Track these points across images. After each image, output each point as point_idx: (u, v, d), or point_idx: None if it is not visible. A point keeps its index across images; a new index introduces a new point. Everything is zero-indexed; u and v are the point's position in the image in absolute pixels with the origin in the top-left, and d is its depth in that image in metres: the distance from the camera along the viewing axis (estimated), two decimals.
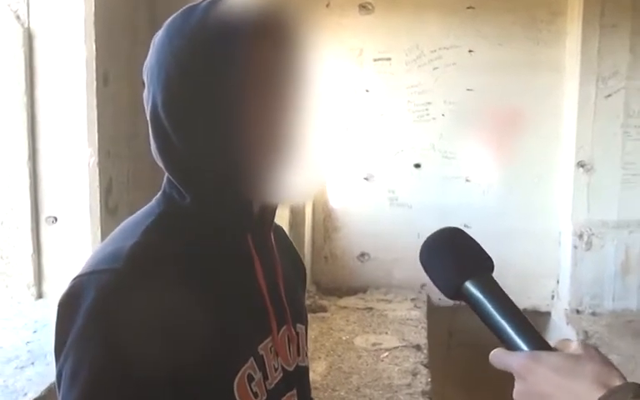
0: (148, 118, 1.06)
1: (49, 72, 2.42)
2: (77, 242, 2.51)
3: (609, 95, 5.23)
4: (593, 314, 5.17)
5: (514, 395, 0.94)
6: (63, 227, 2.50)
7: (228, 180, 1.03)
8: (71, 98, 2.43)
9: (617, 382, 0.88)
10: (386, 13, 5.47)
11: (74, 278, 1.00)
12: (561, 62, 5.44)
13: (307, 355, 1.25)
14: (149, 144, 1.09)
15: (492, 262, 0.98)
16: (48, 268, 2.52)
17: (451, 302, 5.08)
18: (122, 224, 1.10)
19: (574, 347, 0.93)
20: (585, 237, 5.27)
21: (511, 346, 0.94)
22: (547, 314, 5.44)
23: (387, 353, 4.33)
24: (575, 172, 5.32)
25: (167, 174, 1.09)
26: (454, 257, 1.01)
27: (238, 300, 1.08)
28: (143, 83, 1.07)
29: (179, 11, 1.05)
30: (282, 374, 1.13)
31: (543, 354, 0.91)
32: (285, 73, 1.00)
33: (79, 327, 0.94)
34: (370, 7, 5.48)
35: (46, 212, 2.49)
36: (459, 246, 1.02)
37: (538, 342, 0.93)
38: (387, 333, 4.69)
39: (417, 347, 4.45)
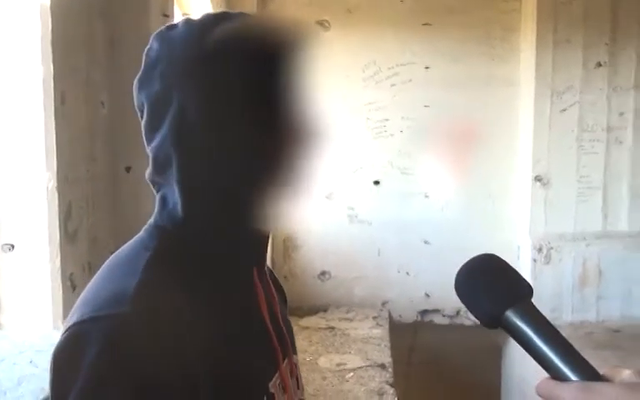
0: (162, 135, 0.99)
1: (4, 93, 2.34)
2: (36, 270, 2.43)
3: (564, 109, 5.31)
4: None
5: None
6: (21, 255, 2.41)
7: (247, 209, 0.99)
8: (27, 120, 2.36)
9: None
10: (342, 30, 5.48)
11: (71, 326, 0.90)
12: (516, 78, 5.51)
13: (302, 388, 1.21)
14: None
15: (530, 288, 0.94)
16: (5, 298, 2.43)
17: (411, 320, 5.08)
18: (112, 261, 1.01)
19: (627, 374, 0.88)
20: (544, 251, 5.33)
21: (558, 375, 0.89)
22: None
23: (352, 374, 4.30)
24: (532, 187, 5.38)
25: (162, 203, 1.03)
26: (492, 285, 0.96)
27: (248, 337, 1.03)
28: (142, 107, 1.02)
29: (188, 26, 1.01)
30: None
31: (597, 385, 0.86)
32: (295, 93, 0.99)
33: (86, 380, 0.85)
34: (327, 24, 5.48)
35: (2, 239, 2.40)
36: (496, 273, 0.97)
37: (587, 371, 0.89)
38: (350, 353, 4.66)
39: (382, 366, 4.43)
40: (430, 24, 5.53)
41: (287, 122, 0.99)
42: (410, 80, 5.53)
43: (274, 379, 1.06)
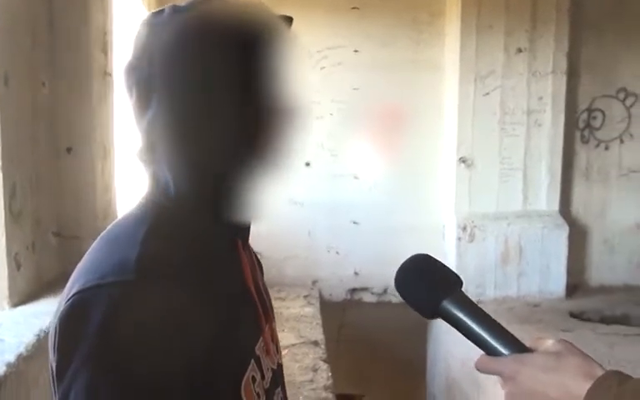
0: (150, 118, 1.06)
1: None
2: None
3: (487, 93, 5.55)
4: (478, 302, 5.47)
5: (506, 397, 1.02)
6: None
7: (233, 185, 1.07)
8: None
9: (600, 372, 0.96)
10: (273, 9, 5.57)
11: (75, 293, 0.96)
12: (441, 62, 5.74)
13: (280, 352, 1.30)
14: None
15: (460, 279, 1.09)
16: None
17: (341, 298, 5.24)
18: (108, 234, 1.08)
19: (550, 343, 1.02)
20: (468, 230, 5.58)
21: (492, 352, 1.03)
22: None
23: (286, 351, 4.44)
24: (457, 168, 5.62)
25: (154, 180, 1.10)
26: (428, 280, 1.09)
27: (236, 303, 1.12)
28: (131, 90, 1.08)
29: (172, 12, 1.07)
30: (271, 373, 1.18)
31: (527, 356, 1.00)
32: (274, 74, 1.06)
33: (92, 344, 0.91)
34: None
35: None
36: (430, 269, 1.11)
37: (516, 345, 1.03)
38: (284, 331, 4.80)
39: (315, 343, 4.59)
40: (358, 8, 5.68)
41: (267, 102, 1.06)
42: (339, 63, 5.68)
43: (259, 343, 1.15)
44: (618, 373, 0.97)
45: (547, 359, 0.99)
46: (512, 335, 1.04)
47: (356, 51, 5.69)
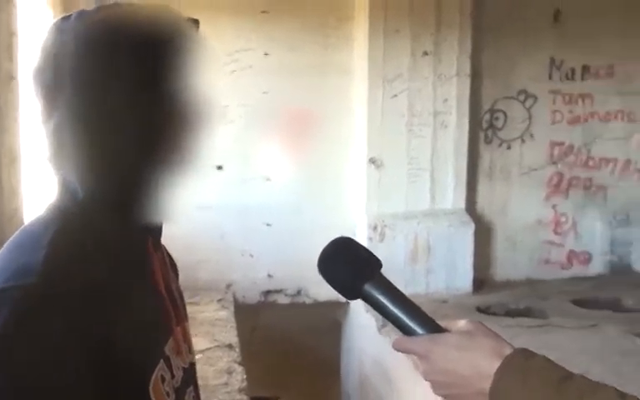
0: (57, 122, 1.07)
1: None
2: None
3: (395, 96, 5.72)
4: None
5: (421, 375, 1.09)
6: None
7: (141, 187, 1.09)
8: None
9: (509, 351, 1.04)
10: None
11: None
12: (350, 66, 5.87)
13: (194, 352, 1.32)
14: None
15: (380, 262, 1.14)
16: None
17: (255, 300, 5.31)
18: (15, 239, 1.09)
19: (462, 324, 1.09)
20: (378, 229, 5.73)
21: (409, 332, 1.09)
22: (347, 304, 5.85)
23: (200, 355, 4.47)
24: (367, 169, 5.76)
25: (62, 184, 1.10)
26: (350, 264, 1.14)
27: (145, 303, 1.13)
28: (38, 94, 1.09)
29: (78, 16, 1.09)
30: (182, 372, 1.20)
31: (441, 335, 1.07)
32: (181, 77, 1.09)
33: None
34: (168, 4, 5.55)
35: None
36: (352, 253, 1.15)
37: (432, 326, 1.09)
38: (197, 335, 4.83)
39: (229, 347, 4.64)
40: (268, 12, 5.75)
41: (175, 104, 1.09)
42: (249, 67, 5.74)
43: (169, 343, 1.17)
44: (525, 351, 1.04)
45: (460, 338, 1.06)
46: (428, 316, 1.11)
47: (266, 54, 5.76)
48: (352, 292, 1.12)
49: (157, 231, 1.21)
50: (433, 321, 1.11)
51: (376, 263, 1.14)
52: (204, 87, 1.11)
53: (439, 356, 1.06)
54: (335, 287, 1.14)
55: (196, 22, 1.15)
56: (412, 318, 1.10)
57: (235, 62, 5.72)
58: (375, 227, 5.73)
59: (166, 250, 1.33)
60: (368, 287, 1.11)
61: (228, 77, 5.68)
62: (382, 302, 1.11)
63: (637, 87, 6.22)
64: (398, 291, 1.12)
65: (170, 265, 1.33)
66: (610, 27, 6.05)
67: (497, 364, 1.02)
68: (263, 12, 5.73)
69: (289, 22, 5.76)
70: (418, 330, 1.09)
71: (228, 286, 5.84)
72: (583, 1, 5.97)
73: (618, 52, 6.12)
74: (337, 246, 1.16)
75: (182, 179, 1.11)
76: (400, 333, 1.12)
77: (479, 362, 1.04)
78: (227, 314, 5.30)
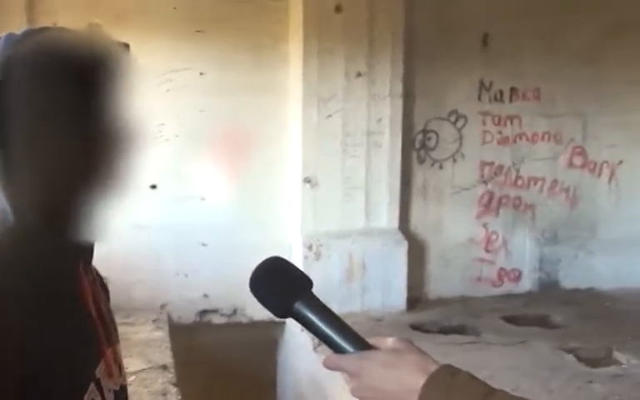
0: None
1: None
2: None
3: (329, 116, 5.80)
4: None
5: (350, 392, 1.12)
6: None
7: (72, 210, 1.11)
8: None
9: (434, 367, 1.08)
10: (114, 35, 5.51)
11: None
12: (285, 85, 5.93)
13: (124, 374, 1.33)
14: None
15: (311, 281, 1.17)
16: None
17: (191, 320, 5.30)
18: None
19: (391, 342, 1.13)
20: (314, 248, 5.78)
21: (339, 350, 1.12)
22: (283, 323, 5.87)
23: (134, 377, 4.43)
24: (302, 188, 5.81)
25: None
26: (281, 283, 1.17)
27: (74, 326, 1.14)
28: None
29: (6, 40, 1.10)
30: (113, 395, 1.20)
31: (370, 353, 1.11)
32: (111, 102, 1.12)
33: None
34: (98, 26, 5.51)
35: None
36: (283, 272, 1.19)
37: (361, 344, 1.13)
38: (132, 356, 4.78)
39: (164, 368, 4.61)
40: (203, 31, 5.77)
41: (105, 127, 1.11)
42: (185, 86, 5.74)
43: (100, 365, 1.17)
44: (450, 367, 1.09)
45: (387, 356, 1.09)
46: (357, 335, 1.14)
47: (201, 74, 5.78)
48: (282, 310, 1.15)
49: (88, 253, 1.22)
50: (363, 339, 1.14)
51: (307, 282, 1.17)
52: (135, 109, 1.14)
53: (367, 373, 1.09)
54: (266, 306, 1.16)
55: (126, 45, 1.19)
56: (342, 336, 1.12)
57: (170, 82, 5.72)
58: (310, 247, 5.78)
59: (96, 271, 1.34)
60: (299, 306, 1.14)
61: (163, 97, 5.68)
62: (313, 321, 1.14)
63: (561, 109, 6.46)
64: (329, 309, 1.16)
65: (101, 286, 1.34)
66: (535, 51, 6.28)
67: (422, 380, 1.06)
68: (198, 31, 5.76)
69: (225, 42, 5.80)
70: (348, 348, 1.12)
71: (163, 306, 5.81)
72: (510, 26, 6.17)
73: (544, 76, 6.35)
74: (268, 266, 1.19)
75: (113, 199, 1.14)
76: (331, 351, 1.15)
77: (405, 378, 1.07)
78: (161, 335, 5.27)
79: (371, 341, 1.14)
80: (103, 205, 1.13)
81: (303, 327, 1.16)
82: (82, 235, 1.13)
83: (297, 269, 1.20)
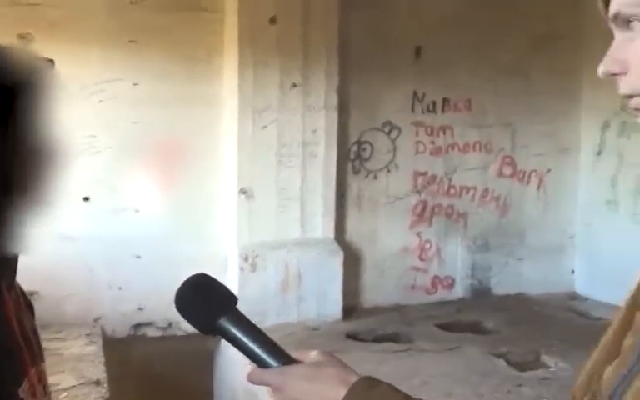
0: None
1: None
2: None
3: (265, 127, 5.84)
4: None
5: None
6: None
7: None
8: None
9: (355, 379, 1.11)
10: (46, 45, 5.46)
11: None
12: (220, 97, 5.95)
13: (49, 394, 1.33)
14: None
15: (235, 297, 1.20)
16: None
17: (125, 334, 5.26)
18: None
19: (313, 355, 1.16)
20: (250, 259, 5.81)
21: (263, 365, 1.16)
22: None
23: (65, 394, 4.38)
24: (237, 199, 5.84)
25: None
26: (205, 300, 1.20)
27: None
28: None
29: None
30: None
31: (292, 367, 1.14)
32: (34, 118, 1.13)
33: None
34: (30, 37, 5.44)
35: None
36: (207, 289, 1.21)
37: (285, 358, 1.16)
38: (63, 372, 4.72)
39: (97, 383, 4.57)
40: (136, 41, 5.75)
41: (27, 142, 1.12)
42: (117, 96, 5.70)
43: (23, 385, 1.17)
44: (370, 379, 1.11)
45: (309, 369, 1.13)
46: (281, 349, 1.18)
47: (135, 84, 5.75)
48: (207, 327, 1.18)
49: (10, 271, 1.23)
50: (287, 353, 1.18)
51: (231, 299, 1.19)
52: (59, 123, 1.16)
53: (290, 387, 1.13)
54: (191, 323, 1.19)
55: (50, 61, 1.20)
56: (265, 351, 1.16)
57: (102, 92, 5.68)
58: (246, 258, 5.81)
59: (21, 289, 1.34)
60: (223, 322, 1.16)
61: (96, 108, 5.64)
62: (237, 336, 1.16)
63: (491, 119, 6.66)
64: (253, 325, 1.19)
65: (25, 304, 1.35)
66: (467, 64, 6.46)
67: (343, 393, 1.09)
68: (132, 41, 5.73)
69: (159, 53, 5.78)
70: (272, 362, 1.15)
71: (96, 320, 5.75)
72: (442, 39, 6.33)
73: (475, 87, 6.54)
74: (192, 282, 1.22)
75: (36, 214, 1.15)
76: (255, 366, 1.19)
77: (326, 391, 1.10)
78: (95, 349, 5.22)
79: (295, 355, 1.17)
80: (25, 220, 1.13)
81: (228, 343, 1.19)
82: (2, 251, 1.14)
83: (222, 285, 1.21)
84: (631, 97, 1.00)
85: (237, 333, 1.17)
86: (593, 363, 0.95)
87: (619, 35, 1.00)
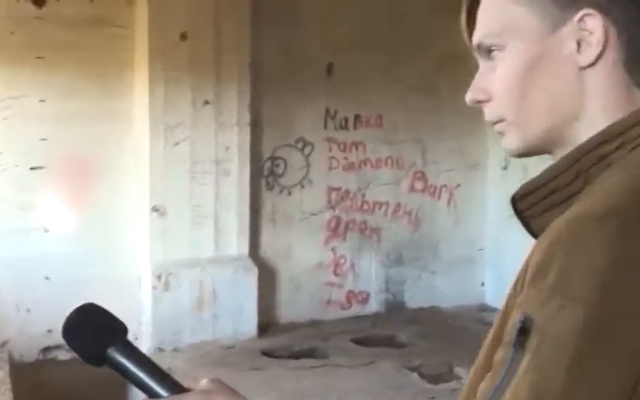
0: None
1: None
2: None
3: (177, 143, 5.82)
4: (175, 350, 5.68)
5: None
6: None
7: None
8: None
9: None
10: None
11: None
12: (132, 113, 5.91)
13: None
14: None
15: (125, 327, 1.17)
16: None
17: (33, 359, 5.15)
18: None
19: (203, 383, 1.15)
20: (163, 278, 5.77)
21: (153, 395, 1.13)
22: None
23: None
24: (150, 217, 5.79)
25: None
26: (93, 330, 1.16)
27: None
28: None
29: None
30: None
31: (182, 396, 1.13)
32: None
33: None
34: None
35: None
36: (95, 319, 1.17)
37: (175, 387, 1.14)
38: None
39: None
40: (44, 58, 5.65)
41: None
42: (24, 113, 5.59)
43: None
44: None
45: (198, 398, 1.12)
46: (172, 378, 1.15)
47: (42, 101, 5.64)
48: (94, 358, 1.15)
49: None
50: (177, 382, 1.17)
51: (121, 329, 1.17)
52: None
53: None
54: (79, 354, 1.16)
55: None
56: (155, 381, 1.14)
57: (8, 109, 5.57)
58: (159, 276, 5.77)
59: None
60: (111, 353, 1.14)
61: (1, 125, 5.51)
62: (126, 367, 1.14)
63: (402, 135, 6.82)
64: (143, 355, 1.18)
65: None
66: (378, 81, 6.60)
67: None
68: (39, 58, 5.63)
69: (67, 69, 5.70)
70: (162, 392, 1.14)
71: (3, 344, 5.58)
72: (353, 56, 6.46)
73: (386, 104, 6.69)
74: (80, 313, 1.18)
75: None
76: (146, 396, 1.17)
77: None
78: (1, 375, 5.06)
79: (185, 383, 1.17)
80: None
81: (119, 373, 1.20)
82: None
83: (111, 316, 1.19)
84: (495, 122, 1.08)
85: (126, 364, 1.14)
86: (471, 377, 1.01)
87: (483, 64, 1.09)
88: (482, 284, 7.26)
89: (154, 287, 5.75)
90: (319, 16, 6.39)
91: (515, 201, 1.05)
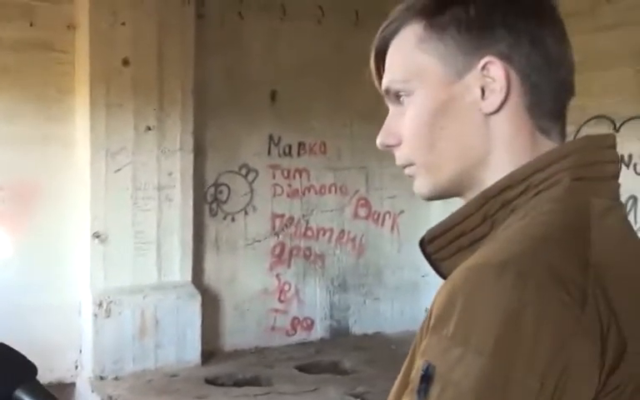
0: None
1: None
2: None
3: (119, 169, 5.81)
4: (116, 379, 5.62)
5: None
6: None
7: None
8: None
9: None
10: None
11: None
12: (73, 138, 5.88)
13: None
14: None
15: (35, 367, 1.19)
16: None
17: None
18: None
19: None
20: (104, 305, 5.72)
21: None
22: (73, 385, 5.74)
23: None
24: (91, 243, 5.75)
25: None
26: (1, 370, 1.17)
27: None
28: None
29: None
30: None
31: None
32: None
33: None
34: None
35: None
36: (4, 359, 1.19)
37: None
38: None
39: None
40: None
41: None
42: None
43: None
44: None
45: None
46: None
47: None
48: (2, 399, 1.17)
49: None
50: None
51: (30, 369, 1.20)
52: None
53: None
54: None
55: None
56: None
57: None
58: (100, 304, 5.72)
59: None
60: (19, 394, 1.16)
61: None
62: None
63: (346, 162, 6.91)
64: (51, 396, 1.20)
65: None
66: (321, 108, 6.71)
67: None
68: None
69: (7, 93, 5.67)
70: None
71: None
72: (296, 84, 6.55)
73: (329, 131, 6.79)
74: None
75: None
76: None
77: None
78: None
79: None
80: None
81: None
82: None
83: (21, 355, 1.21)
84: (405, 166, 1.13)
85: None
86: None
87: (392, 108, 1.12)
88: (426, 310, 7.31)
89: (95, 315, 5.70)
90: (263, 42, 6.49)
91: (424, 244, 1.10)
